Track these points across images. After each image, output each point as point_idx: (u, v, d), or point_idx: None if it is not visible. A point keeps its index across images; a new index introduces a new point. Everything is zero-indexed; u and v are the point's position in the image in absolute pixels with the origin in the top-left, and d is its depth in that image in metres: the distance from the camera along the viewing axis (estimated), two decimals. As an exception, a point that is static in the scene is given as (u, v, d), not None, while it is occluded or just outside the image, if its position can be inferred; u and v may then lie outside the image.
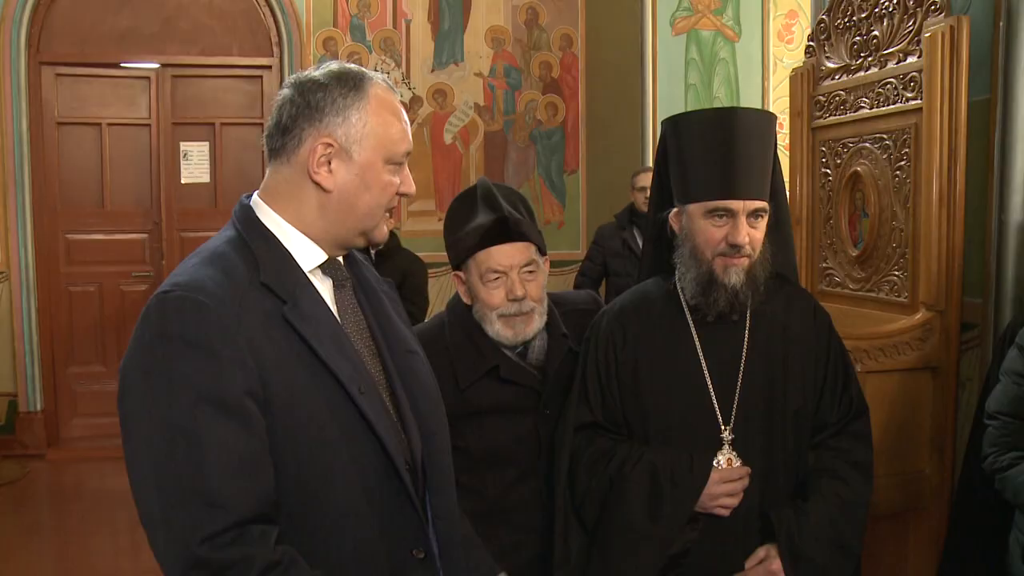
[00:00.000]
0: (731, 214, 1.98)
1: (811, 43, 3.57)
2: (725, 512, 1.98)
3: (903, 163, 3.00)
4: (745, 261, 2.01)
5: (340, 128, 1.50)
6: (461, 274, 2.22)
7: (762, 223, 2.03)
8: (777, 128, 2.17)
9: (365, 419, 1.48)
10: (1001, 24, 2.77)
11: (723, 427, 2.04)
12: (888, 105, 3.09)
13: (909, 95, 2.98)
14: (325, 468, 1.46)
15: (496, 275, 2.14)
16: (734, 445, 2.03)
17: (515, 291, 2.13)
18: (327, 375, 1.46)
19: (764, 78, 6.38)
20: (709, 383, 2.06)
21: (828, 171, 3.42)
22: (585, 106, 7.13)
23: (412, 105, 6.77)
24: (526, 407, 2.20)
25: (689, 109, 6.25)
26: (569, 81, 7.11)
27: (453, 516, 1.67)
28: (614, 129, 6.72)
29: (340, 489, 1.47)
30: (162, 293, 1.41)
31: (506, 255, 2.14)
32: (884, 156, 3.10)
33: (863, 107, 3.21)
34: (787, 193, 2.32)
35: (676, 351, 2.06)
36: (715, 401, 2.05)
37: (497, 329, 2.16)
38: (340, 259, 1.63)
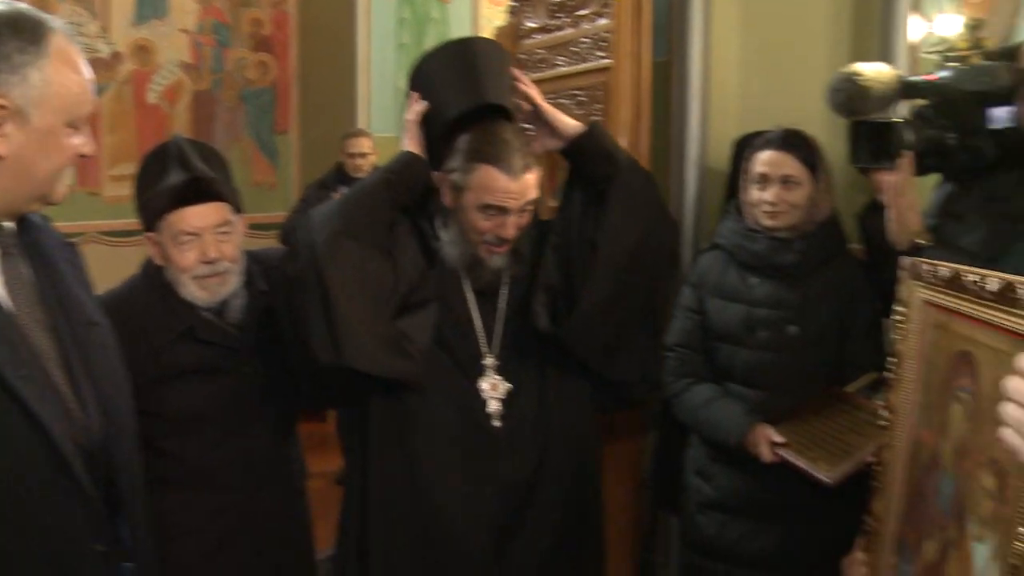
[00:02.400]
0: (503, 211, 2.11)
1: (514, 3, 3.70)
2: None
3: (596, 118, 3.20)
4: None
5: (17, 88, 1.36)
6: (153, 235, 2.14)
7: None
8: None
9: (22, 405, 1.36)
10: (675, -11, 3.02)
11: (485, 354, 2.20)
12: (582, 63, 3.28)
13: (600, 54, 3.18)
14: None
15: (189, 236, 2.09)
16: (497, 370, 2.19)
17: (208, 253, 2.10)
18: None
19: (474, 39, 6.54)
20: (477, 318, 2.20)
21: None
22: (297, 65, 6.96)
23: (112, 62, 6.27)
24: (226, 367, 2.17)
25: (401, 69, 6.29)
26: (280, 39, 6.90)
27: (138, 498, 1.60)
28: (326, 89, 6.62)
29: None
30: None
31: (199, 216, 2.09)
32: (580, 112, 3.28)
33: (560, 65, 3.39)
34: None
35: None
36: (479, 334, 2.19)
37: (191, 291, 2.12)
38: (11, 224, 1.49)
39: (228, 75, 6.75)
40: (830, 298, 2.45)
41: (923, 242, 2.13)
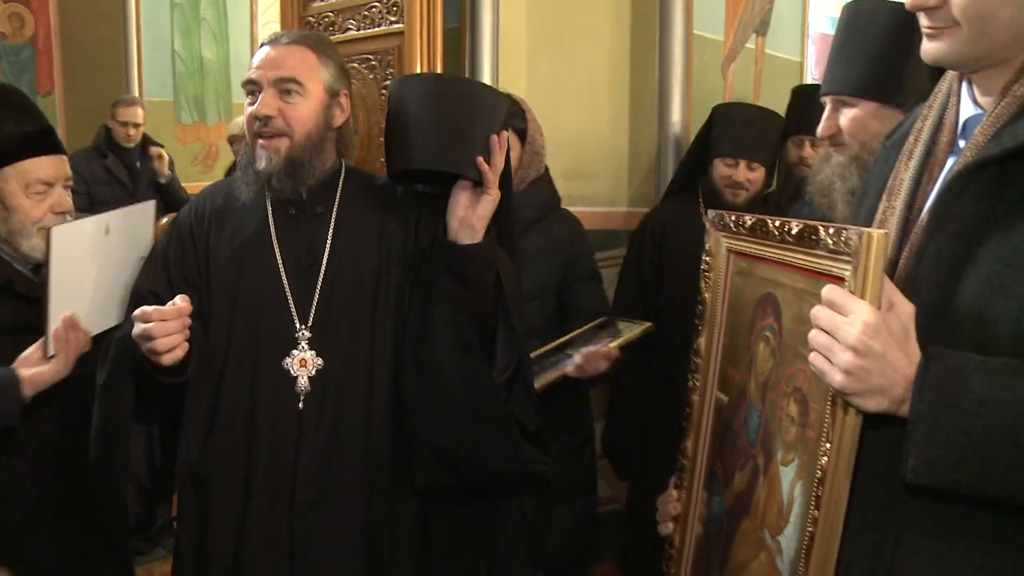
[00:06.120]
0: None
1: (299, -36, 3.61)
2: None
3: (388, 83, 3.19)
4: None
5: None
6: None
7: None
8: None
9: None
10: (466, -43, 3.05)
11: (299, 326, 1.95)
12: (374, 27, 3.24)
13: (392, 19, 3.15)
14: None
15: (44, 187, 2.03)
16: (311, 344, 1.94)
17: (64, 204, 2.06)
18: None
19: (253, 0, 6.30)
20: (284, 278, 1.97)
21: (321, 92, 3.51)
22: (58, 20, 6.39)
23: None
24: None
25: (178, 31, 5.98)
26: (36, -11, 6.35)
27: None
28: (93, 48, 6.15)
29: None
30: None
31: (54, 167, 2.05)
32: (371, 76, 3.26)
33: (351, 28, 3.33)
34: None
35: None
36: (291, 298, 1.96)
37: (35, 243, 2.03)
38: None
39: (-24, 28, 6.14)
40: (547, 253, 2.58)
41: None
